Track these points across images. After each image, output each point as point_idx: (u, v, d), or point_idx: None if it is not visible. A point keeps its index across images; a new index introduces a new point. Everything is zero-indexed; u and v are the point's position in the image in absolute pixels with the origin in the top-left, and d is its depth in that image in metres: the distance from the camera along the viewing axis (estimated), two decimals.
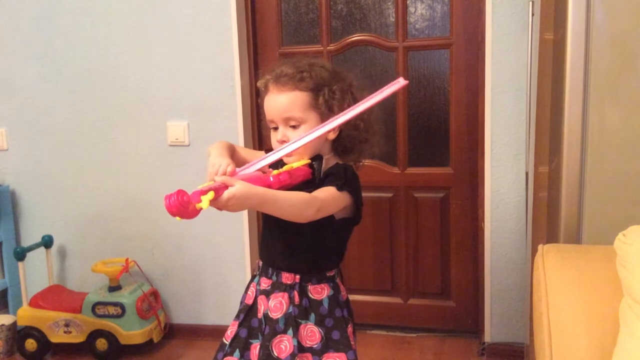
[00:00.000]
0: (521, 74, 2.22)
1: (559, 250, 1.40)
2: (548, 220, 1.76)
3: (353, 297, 2.68)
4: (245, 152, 1.47)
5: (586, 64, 1.46)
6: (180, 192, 1.03)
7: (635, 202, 1.46)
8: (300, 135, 1.30)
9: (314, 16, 2.64)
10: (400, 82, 1.26)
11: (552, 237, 1.64)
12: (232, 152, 1.41)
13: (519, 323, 2.42)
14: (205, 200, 1.04)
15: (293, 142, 1.28)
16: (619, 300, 1.19)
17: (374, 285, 2.77)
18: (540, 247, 1.42)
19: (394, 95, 2.55)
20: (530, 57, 1.96)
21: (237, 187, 1.09)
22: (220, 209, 1.11)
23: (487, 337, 2.50)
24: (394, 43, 2.56)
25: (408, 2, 2.53)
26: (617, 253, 1.21)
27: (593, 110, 1.46)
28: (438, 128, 2.61)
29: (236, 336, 1.40)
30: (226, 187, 1.09)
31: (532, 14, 1.93)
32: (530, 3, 1.95)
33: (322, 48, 2.62)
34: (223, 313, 2.67)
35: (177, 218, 1.05)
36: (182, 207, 1.03)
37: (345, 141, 1.37)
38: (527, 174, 2.08)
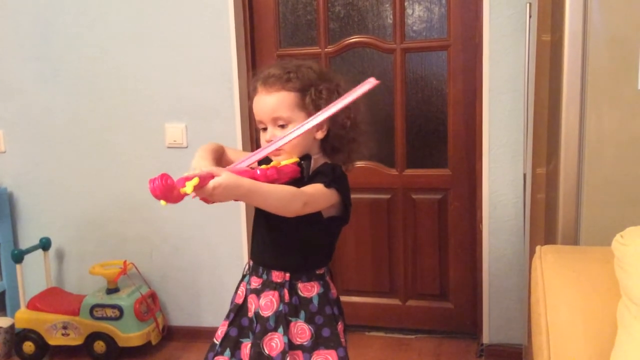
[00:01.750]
0: (519, 76, 2.22)
1: (556, 251, 1.40)
2: (546, 222, 1.77)
3: (351, 299, 2.71)
4: (235, 154, 1.48)
5: (583, 65, 1.46)
6: (164, 176, 1.05)
7: (633, 203, 1.46)
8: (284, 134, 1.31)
9: (312, 18, 2.64)
10: (371, 82, 1.27)
11: (550, 238, 1.65)
12: (221, 155, 1.42)
13: (517, 324, 2.42)
14: (190, 185, 1.05)
15: (275, 142, 1.30)
16: (617, 302, 1.19)
17: (372, 286, 2.77)
18: (538, 248, 1.42)
19: (391, 96, 2.58)
20: (527, 58, 1.96)
21: (223, 177, 1.10)
22: (207, 200, 1.12)
23: (486, 339, 2.50)
24: (392, 45, 2.56)
25: (406, 4, 2.53)
26: (615, 254, 1.21)
27: (590, 111, 1.47)
28: (436, 129, 2.61)
29: (226, 335, 1.42)
30: (212, 176, 1.10)
31: (530, 16, 1.94)
32: (528, 5, 1.95)
33: (320, 50, 2.63)
34: (221, 315, 2.62)
35: (162, 202, 1.05)
36: (166, 190, 1.04)
37: (333, 141, 1.39)
38: (524, 175, 2.08)
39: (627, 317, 1.14)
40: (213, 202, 1.13)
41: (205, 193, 1.09)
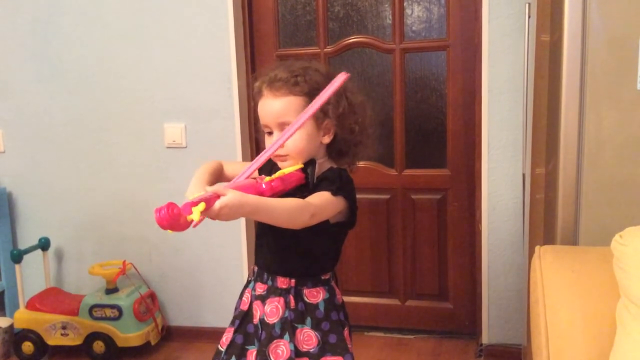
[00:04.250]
0: (518, 76, 2.22)
1: (556, 251, 1.40)
2: (545, 222, 1.77)
3: (350, 299, 2.70)
4: (235, 168, 1.45)
5: (582, 65, 1.46)
6: (171, 205, 1.01)
7: (632, 204, 1.46)
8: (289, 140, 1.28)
9: (311, 18, 2.64)
10: (342, 76, 1.27)
11: (549, 238, 1.65)
12: (220, 173, 1.40)
13: (516, 324, 2.42)
14: (196, 211, 1.02)
15: (268, 150, 1.27)
16: (616, 302, 1.19)
17: (372, 287, 2.77)
18: (537, 248, 1.42)
19: (391, 97, 2.58)
20: (526, 59, 1.96)
21: (229, 197, 1.08)
22: (213, 218, 1.09)
23: (485, 339, 2.50)
24: (391, 45, 2.56)
25: (405, 4, 2.53)
26: (614, 254, 1.21)
27: (589, 111, 1.47)
28: (435, 130, 2.61)
29: (232, 343, 1.39)
30: (218, 196, 1.08)
31: (529, 16, 1.94)
32: (527, 5, 1.95)
33: (319, 50, 2.63)
34: (220, 315, 2.67)
35: (169, 231, 1.03)
36: (173, 220, 1.01)
37: (340, 145, 1.36)
38: (524, 175, 2.08)
39: (626, 317, 1.14)
40: (219, 220, 1.11)
41: (212, 214, 1.07)
